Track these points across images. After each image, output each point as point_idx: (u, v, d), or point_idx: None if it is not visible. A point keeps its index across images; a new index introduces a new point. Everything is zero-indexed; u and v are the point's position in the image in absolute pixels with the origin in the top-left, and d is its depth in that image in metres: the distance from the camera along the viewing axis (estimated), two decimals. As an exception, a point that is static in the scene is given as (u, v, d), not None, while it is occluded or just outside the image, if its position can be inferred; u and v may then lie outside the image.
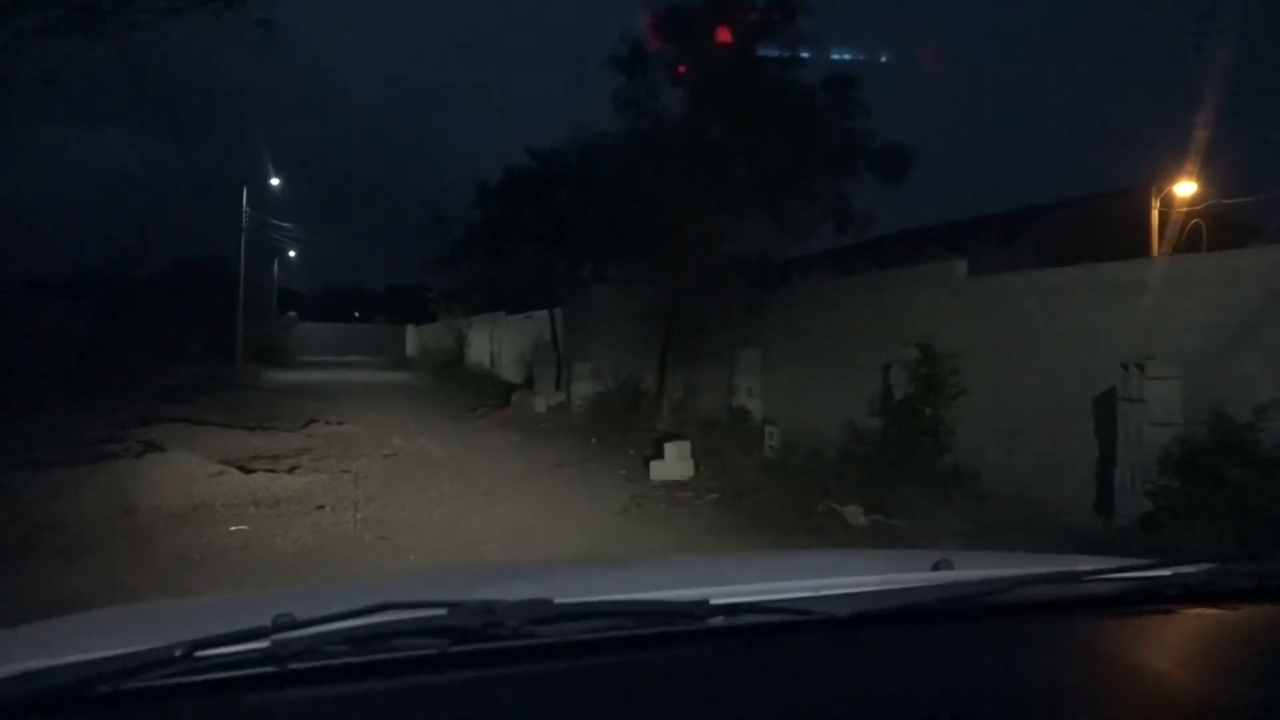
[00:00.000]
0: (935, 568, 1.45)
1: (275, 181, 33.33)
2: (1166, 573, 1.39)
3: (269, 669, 0.96)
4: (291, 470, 8.66)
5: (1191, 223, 18.58)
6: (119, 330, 28.22)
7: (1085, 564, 1.51)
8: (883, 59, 12.95)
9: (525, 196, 17.57)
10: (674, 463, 8.90)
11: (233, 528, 6.42)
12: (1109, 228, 19.44)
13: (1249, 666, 1.20)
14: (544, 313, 20.97)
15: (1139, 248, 17.51)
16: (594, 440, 12.33)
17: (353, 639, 0.99)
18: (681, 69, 11.57)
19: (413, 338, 45.64)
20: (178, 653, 0.93)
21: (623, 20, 12.60)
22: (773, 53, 11.64)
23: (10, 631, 1.28)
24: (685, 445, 9.09)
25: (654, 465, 8.97)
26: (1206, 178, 18.47)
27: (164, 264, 35.11)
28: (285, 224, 36.01)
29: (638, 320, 14.48)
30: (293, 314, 47.17)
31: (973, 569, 1.45)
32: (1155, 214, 19.25)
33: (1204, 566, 1.40)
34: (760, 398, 13.03)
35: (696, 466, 9.06)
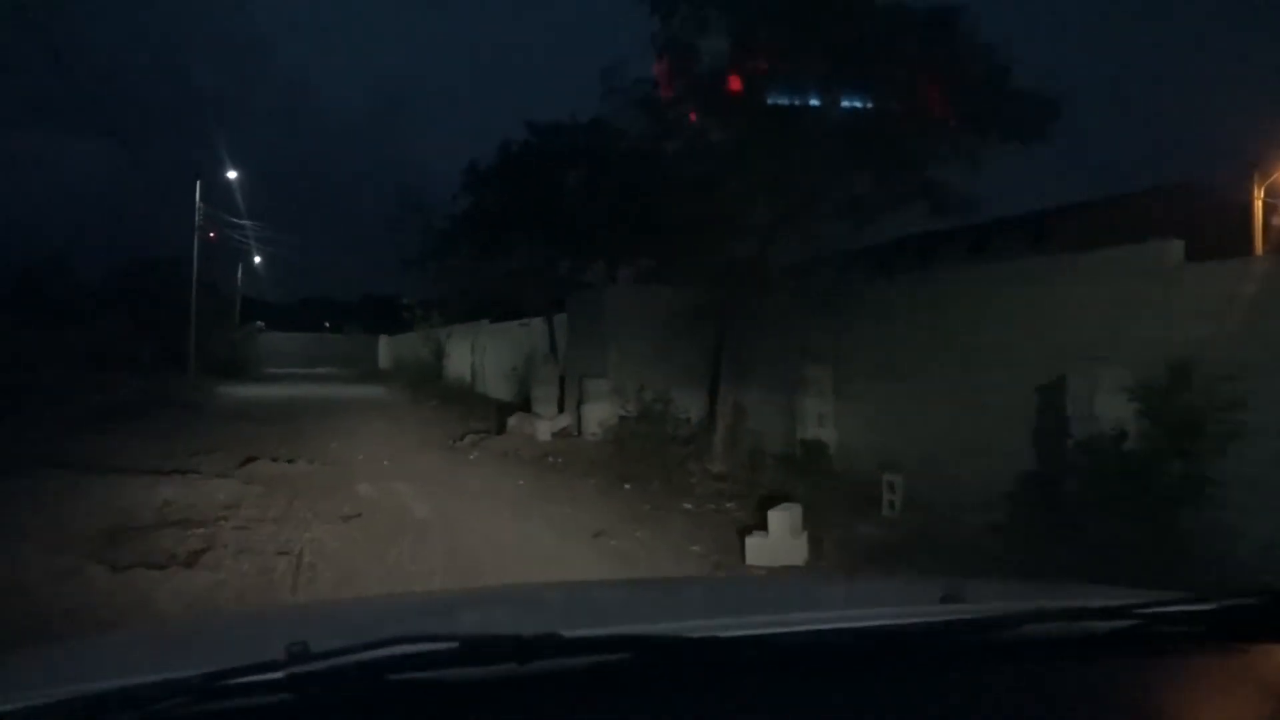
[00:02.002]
0: (944, 600, 1.37)
1: (233, 174, 30.17)
2: (1180, 609, 1.29)
3: (285, 699, 0.94)
4: (195, 557, 5.53)
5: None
6: (59, 341, 25.46)
7: (1097, 599, 1.42)
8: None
9: (524, 179, 14.54)
10: (783, 538, 5.85)
11: None
12: (1180, 223, 16.93)
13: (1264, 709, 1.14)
14: (540, 320, 17.98)
15: (1231, 245, 14.93)
16: (627, 485, 9.34)
17: (366, 671, 0.97)
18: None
19: (386, 349, 42.63)
20: (195, 683, 0.94)
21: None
22: None
23: (23, 655, 1.30)
24: (796, 511, 6.01)
25: (752, 544, 5.88)
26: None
27: (115, 268, 32.25)
28: (246, 222, 32.78)
29: (668, 327, 11.51)
30: (260, 323, 44.79)
31: (983, 601, 1.40)
32: (1259, 204, 16.48)
33: (1219, 603, 1.27)
34: (834, 426, 10.11)
35: (815, 542, 6.04)
